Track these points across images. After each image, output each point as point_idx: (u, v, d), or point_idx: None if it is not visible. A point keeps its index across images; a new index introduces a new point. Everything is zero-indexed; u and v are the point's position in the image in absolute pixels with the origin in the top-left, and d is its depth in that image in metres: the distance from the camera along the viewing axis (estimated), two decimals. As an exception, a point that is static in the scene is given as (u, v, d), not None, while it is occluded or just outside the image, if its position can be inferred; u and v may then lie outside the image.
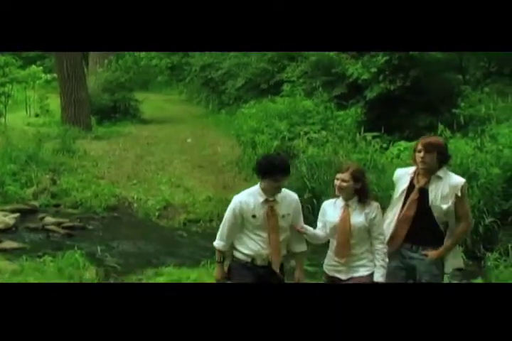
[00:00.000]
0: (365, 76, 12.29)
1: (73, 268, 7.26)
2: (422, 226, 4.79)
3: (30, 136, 13.51)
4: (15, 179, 11.04)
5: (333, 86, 13.31)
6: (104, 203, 10.60)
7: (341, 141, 10.79)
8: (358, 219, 4.75)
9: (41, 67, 18.11)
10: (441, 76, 12.67)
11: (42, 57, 22.76)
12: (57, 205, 10.62)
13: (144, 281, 7.25)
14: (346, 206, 4.80)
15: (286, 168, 4.75)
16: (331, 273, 4.89)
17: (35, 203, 10.43)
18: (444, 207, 4.72)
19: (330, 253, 4.91)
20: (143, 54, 20.05)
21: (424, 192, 4.79)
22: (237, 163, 11.97)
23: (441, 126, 10.25)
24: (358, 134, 10.95)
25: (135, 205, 10.68)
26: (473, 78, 14.60)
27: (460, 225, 4.81)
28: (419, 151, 4.79)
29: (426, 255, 4.80)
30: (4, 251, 8.31)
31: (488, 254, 7.64)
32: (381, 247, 4.76)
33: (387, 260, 4.78)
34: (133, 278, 7.43)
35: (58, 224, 9.58)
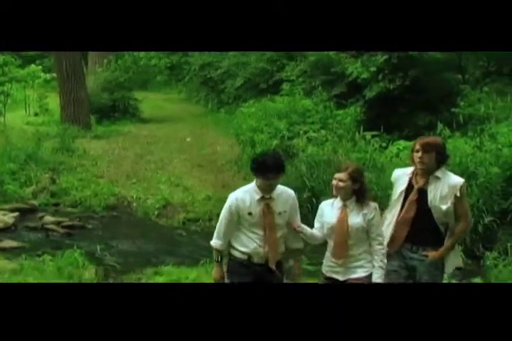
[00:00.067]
0: (365, 75, 12.29)
1: (73, 267, 7.26)
2: (421, 226, 4.77)
3: (29, 135, 13.52)
4: (14, 178, 11.04)
5: (332, 85, 13.31)
6: (103, 202, 10.60)
7: (341, 140, 10.80)
8: (355, 219, 4.72)
9: (40, 67, 18.11)
10: (441, 75, 12.67)
11: (41, 57, 22.73)
12: (56, 204, 10.62)
13: (143, 280, 7.26)
14: (344, 206, 4.77)
15: (279, 166, 4.67)
16: (329, 274, 4.86)
17: (35, 202, 10.43)
18: (444, 207, 4.69)
19: (328, 254, 4.88)
20: (142, 54, 20.07)
21: (423, 193, 4.77)
22: (237, 162, 11.97)
23: (440, 125, 10.27)
24: (357, 133, 10.96)
25: (134, 204, 10.69)
26: (472, 77, 14.59)
27: (459, 225, 4.79)
28: (417, 151, 4.76)
29: (426, 255, 4.78)
30: (4, 250, 8.31)
31: (488, 253, 7.64)
32: (379, 248, 4.74)
33: (385, 261, 4.76)
34: (132, 277, 7.43)
35: (58, 223, 9.58)
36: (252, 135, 11.53)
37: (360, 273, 4.74)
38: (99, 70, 18.49)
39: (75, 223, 9.74)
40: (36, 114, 17.22)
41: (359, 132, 10.96)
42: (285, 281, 5.02)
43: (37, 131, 13.58)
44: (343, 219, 4.74)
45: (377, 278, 4.70)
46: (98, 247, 8.57)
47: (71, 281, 6.83)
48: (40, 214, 9.95)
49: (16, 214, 9.70)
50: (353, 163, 5.87)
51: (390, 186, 5.12)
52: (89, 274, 7.25)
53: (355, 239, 4.73)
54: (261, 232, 4.74)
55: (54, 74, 16.72)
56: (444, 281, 5.22)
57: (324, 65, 13.71)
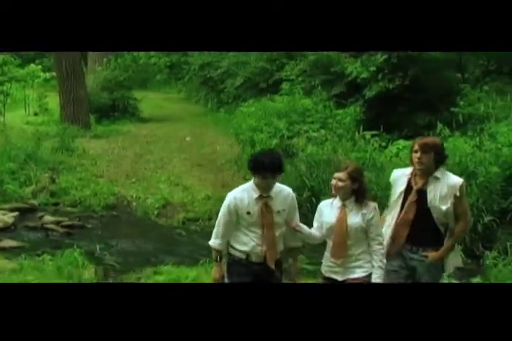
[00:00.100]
0: (364, 75, 12.29)
1: (72, 266, 7.26)
2: (421, 227, 4.75)
3: (29, 134, 13.53)
4: (14, 178, 11.04)
5: (332, 84, 13.32)
6: (103, 202, 10.61)
7: (340, 140, 10.81)
8: (354, 219, 4.69)
9: (40, 66, 18.09)
10: (440, 74, 12.67)
11: (41, 56, 22.74)
12: (56, 204, 10.62)
13: (142, 280, 7.25)
14: (343, 206, 4.75)
15: (276, 165, 4.63)
16: (328, 274, 4.84)
17: (34, 202, 10.44)
18: (444, 208, 4.67)
19: (326, 254, 4.86)
20: (142, 53, 20.04)
21: (422, 194, 4.75)
22: (236, 162, 11.97)
23: (440, 125, 10.28)
24: (357, 133, 10.97)
25: (134, 204, 10.69)
26: (472, 76, 14.59)
27: (459, 225, 4.77)
28: (416, 152, 4.74)
29: (426, 256, 4.77)
30: (3, 249, 8.31)
31: (487, 253, 7.64)
32: (379, 248, 4.72)
33: (385, 261, 4.74)
34: (132, 277, 7.43)
35: (57, 223, 9.59)
36: (252, 134, 11.54)
37: (359, 273, 4.72)
38: (98, 69, 18.50)
39: (75, 222, 9.74)
40: (36, 114, 17.22)
41: (359, 132, 10.97)
42: (284, 281, 5.01)
43: (36, 131, 13.58)
44: (342, 219, 4.72)
45: (377, 278, 4.68)
46: (98, 247, 8.57)
47: (71, 281, 6.82)
48: (39, 214, 9.95)
49: (16, 213, 9.70)
50: (352, 163, 5.86)
51: (389, 186, 5.11)
52: (88, 274, 7.24)
53: (354, 239, 4.71)
54: (259, 231, 4.72)
55: (53, 74, 16.72)
56: (444, 281, 5.22)
57: (324, 64, 13.72)
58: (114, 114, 17.17)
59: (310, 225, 4.95)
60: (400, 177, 4.90)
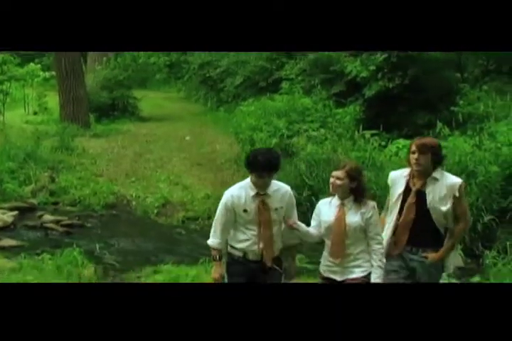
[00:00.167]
0: (364, 74, 12.29)
1: (72, 265, 7.26)
2: (421, 228, 4.73)
3: (28, 133, 13.53)
4: (13, 177, 11.05)
5: (331, 84, 13.32)
6: (102, 201, 10.61)
7: (340, 139, 10.81)
8: (353, 218, 4.65)
9: (39, 65, 18.09)
10: (440, 74, 12.67)
11: (40, 55, 22.72)
12: (55, 203, 10.63)
13: (142, 279, 7.26)
14: (342, 205, 4.71)
15: (272, 164, 4.60)
16: (326, 274, 4.81)
17: (34, 201, 10.44)
18: (443, 208, 4.65)
19: (325, 253, 4.82)
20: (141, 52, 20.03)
21: (421, 195, 4.72)
22: (236, 161, 11.96)
23: (439, 124, 10.28)
24: (356, 132, 10.98)
25: (133, 203, 10.70)
26: (471, 76, 14.59)
27: (458, 225, 4.76)
28: (413, 153, 4.71)
29: (426, 257, 4.75)
30: (3, 249, 8.32)
31: (487, 252, 7.64)
32: (378, 248, 4.67)
33: (384, 260, 4.70)
34: (132, 276, 7.44)
35: (57, 222, 9.60)
36: (252, 133, 11.54)
37: (358, 273, 4.68)
38: (98, 68, 18.51)
39: (74, 222, 9.75)
40: (35, 113, 17.22)
41: (358, 131, 10.98)
42: (283, 280, 5.00)
43: (36, 130, 13.59)
44: (340, 218, 4.68)
45: (376, 278, 4.64)
46: (97, 246, 8.58)
47: (70, 280, 6.82)
48: (39, 213, 9.96)
49: (15, 212, 9.71)
50: (351, 161, 5.82)
51: (388, 186, 5.10)
52: (88, 273, 7.24)
53: (352, 238, 4.67)
54: (256, 229, 4.70)
55: (53, 73, 16.72)
56: (444, 281, 5.21)
57: (323, 63, 13.72)
58: (114, 113, 17.17)
59: (309, 224, 4.94)
60: (398, 178, 4.87)
